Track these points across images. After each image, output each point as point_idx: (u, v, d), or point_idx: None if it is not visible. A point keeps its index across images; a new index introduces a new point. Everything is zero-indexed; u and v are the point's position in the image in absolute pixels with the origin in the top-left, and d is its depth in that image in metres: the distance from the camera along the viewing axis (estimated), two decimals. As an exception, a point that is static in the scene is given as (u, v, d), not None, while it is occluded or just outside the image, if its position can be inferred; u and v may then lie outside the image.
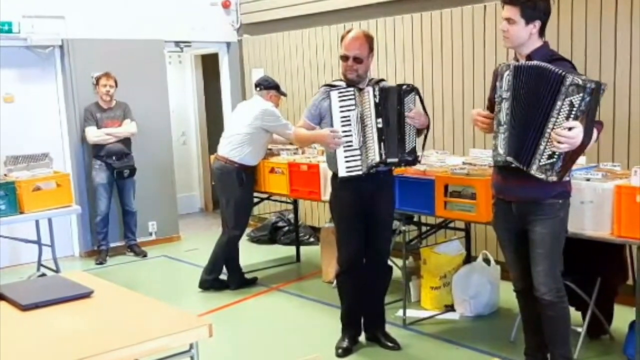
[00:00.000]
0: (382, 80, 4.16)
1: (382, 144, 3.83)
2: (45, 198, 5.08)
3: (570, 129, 3.00)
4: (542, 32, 3.30)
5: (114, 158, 6.59)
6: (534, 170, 3.15)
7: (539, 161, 3.13)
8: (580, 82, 3.01)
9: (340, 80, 4.09)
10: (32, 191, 5.03)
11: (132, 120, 6.70)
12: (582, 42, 4.83)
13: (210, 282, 5.59)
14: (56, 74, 6.81)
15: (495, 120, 3.31)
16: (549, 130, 3.08)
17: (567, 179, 3.32)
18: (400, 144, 3.86)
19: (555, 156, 3.10)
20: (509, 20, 3.27)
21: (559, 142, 3.03)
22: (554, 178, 3.12)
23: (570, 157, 3.11)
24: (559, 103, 3.05)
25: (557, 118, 3.06)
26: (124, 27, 7.00)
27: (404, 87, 3.89)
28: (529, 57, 3.27)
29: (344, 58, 3.99)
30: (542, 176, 3.13)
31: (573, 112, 3.02)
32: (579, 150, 3.08)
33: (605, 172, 3.74)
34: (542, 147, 3.12)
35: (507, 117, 3.23)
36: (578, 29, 4.85)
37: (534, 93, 3.14)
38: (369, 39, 4.02)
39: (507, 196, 3.42)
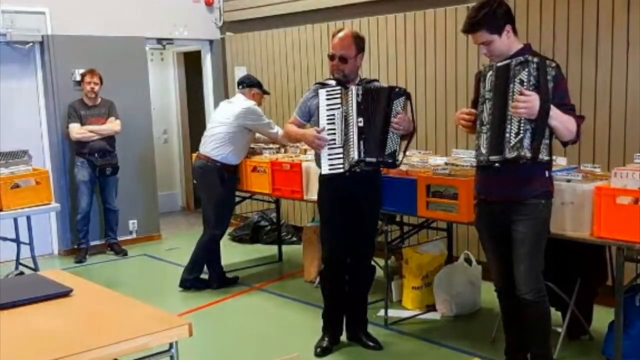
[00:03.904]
0: (375, 80, 4.14)
1: (361, 142, 3.81)
2: (24, 195, 5.00)
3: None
4: (515, 32, 3.32)
5: (96, 155, 6.54)
6: (507, 154, 3.14)
7: (509, 142, 3.14)
8: (523, 59, 3.11)
9: (331, 79, 4.08)
10: (10, 189, 4.94)
11: (116, 118, 6.65)
12: (563, 45, 4.86)
13: (191, 282, 5.56)
14: (36, 70, 6.74)
15: (478, 121, 3.33)
16: (510, 113, 3.12)
17: (547, 175, 3.33)
18: (380, 145, 3.83)
19: (522, 131, 3.10)
20: (483, 43, 3.29)
21: (516, 111, 3.06)
22: (528, 154, 3.10)
23: (537, 129, 3.09)
24: (511, 86, 3.14)
25: (513, 99, 3.10)
26: (106, 23, 6.94)
27: (396, 89, 3.88)
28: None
29: (331, 57, 3.98)
30: (515, 154, 3.11)
31: (524, 87, 3.08)
32: (543, 118, 3.07)
33: (586, 174, 3.75)
34: (508, 129, 3.14)
35: (489, 117, 3.25)
36: (560, 32, 4.88)
37: (501, 88, 3.19)
38: (357, 40, 3.98)
39: (489, 196, 3.43)
